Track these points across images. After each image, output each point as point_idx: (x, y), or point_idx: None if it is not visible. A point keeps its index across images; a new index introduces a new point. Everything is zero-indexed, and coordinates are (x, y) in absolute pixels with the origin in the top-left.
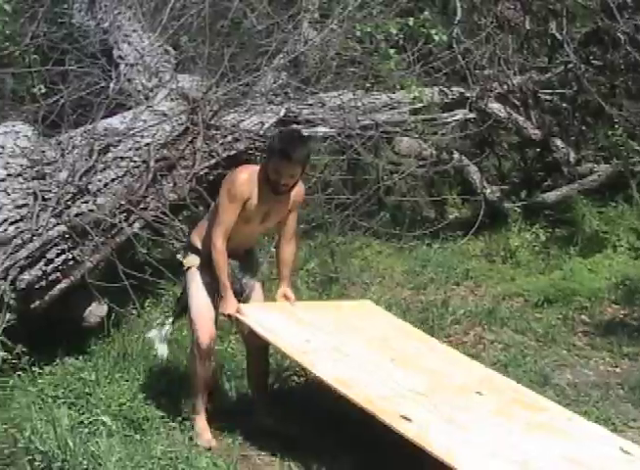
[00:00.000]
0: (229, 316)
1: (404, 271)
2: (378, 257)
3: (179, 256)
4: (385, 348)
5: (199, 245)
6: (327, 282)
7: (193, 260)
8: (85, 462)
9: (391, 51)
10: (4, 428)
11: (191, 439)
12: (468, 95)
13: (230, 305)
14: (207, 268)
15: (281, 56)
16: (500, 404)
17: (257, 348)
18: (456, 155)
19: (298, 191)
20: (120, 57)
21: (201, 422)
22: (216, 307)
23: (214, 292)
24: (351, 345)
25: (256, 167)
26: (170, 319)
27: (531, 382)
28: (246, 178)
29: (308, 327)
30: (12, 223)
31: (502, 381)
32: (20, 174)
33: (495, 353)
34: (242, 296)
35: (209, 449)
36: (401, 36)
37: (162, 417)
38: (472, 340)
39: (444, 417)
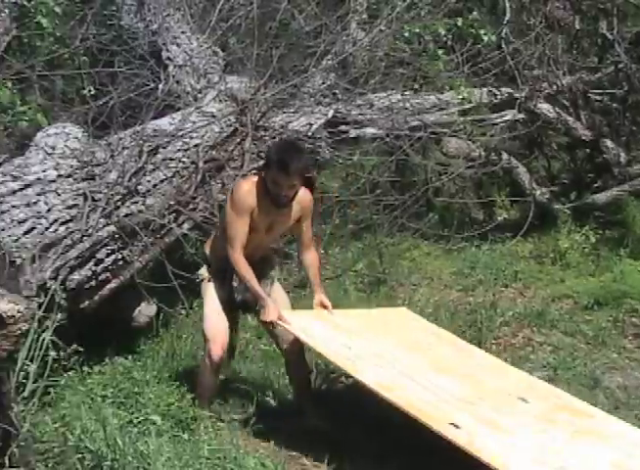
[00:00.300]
0: (271, 324)
1: (452, 273)
2: (426, 258)
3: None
4: (424, 354)
5: (208, 255)
6: (375, 283)
7: (204, 272)
8: (134, 461)
9: (440, 51)
10: (54, 427)
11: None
12: (517, 96)
13: (272, 312)
14: (218, 279)
15: (329, 57)
16: (544, 411)
17: (294, 353)
18: (505, 156)
19: (303, 198)
20: (169, 58)
21: None
22: (230, 318)
23: (227, 302)
24: (391, 351)
25: (255, 178)
26: None
27: (581, 385)
28: (247, 189)
29: (347, 333)
30: (62, 224)
31: (544, 387)
32: (70, 175)
33: (544, 356)
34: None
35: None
36: (450, 37)
37: (210, 417)
38: (521, 342)
39: (490, 423)
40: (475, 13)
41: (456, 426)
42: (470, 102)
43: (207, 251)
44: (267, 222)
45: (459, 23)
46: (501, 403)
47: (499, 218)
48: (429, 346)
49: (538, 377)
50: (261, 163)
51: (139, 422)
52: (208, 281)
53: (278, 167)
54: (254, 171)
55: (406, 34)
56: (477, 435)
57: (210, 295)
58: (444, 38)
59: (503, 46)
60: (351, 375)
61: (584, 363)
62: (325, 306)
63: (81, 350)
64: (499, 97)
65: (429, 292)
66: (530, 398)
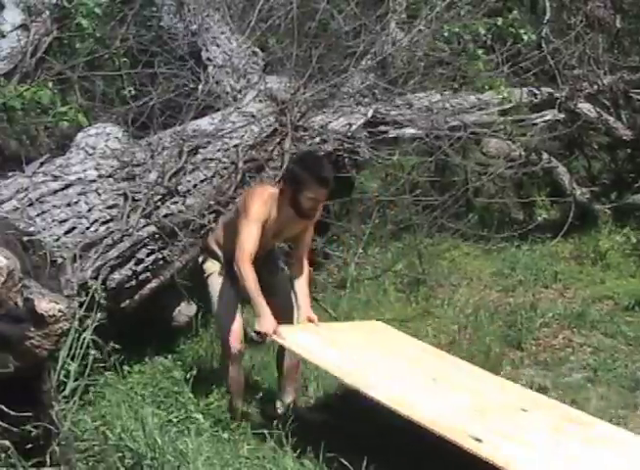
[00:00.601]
0: (265, 335)
1: (492, 273)
2: (466, 258)
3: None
4: (421, 367)
5: (217, 250)
6: (414, 284)
7: (212, 266)
8: (174, 460)
9: (480, 51)
10: (95, 425)
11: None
12: (557, 95)
13: (267, 324)
14: (229, 273)
15: (369, 57)
16: (551, 422)
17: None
18: (545, 156)
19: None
20: (209, 59)
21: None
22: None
23: (238, 296)
24: (390, 365)
25: (273, 190)
26: None
27: (621, 387)
28: (264, 200)
29: (345, 347)
30: (103, 223)
31: (542, 398)
32: (110, 175)
33: (584, 357)
34: None
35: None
36: (489, 36)
37: (250, 416)
38: (560, 343)
39: (505, 435)
40: (515, 12)
41: (478, 439)
42: (510, 102)
43: (214, 246)
44: (278, 229)
45: (499, 23)
46: (508, 415)
47: (539, 219)
48: (419, 358)
49: (579, 378)
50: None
51: (178, 421)
52: (219, 274)
53: (318, 183)
54: (274, 183)
55: (446, 34)
56: (499, 447)
57: (222, 288)
58: (484, 38)
59: (543, 45)
60: (361, 391)
61: (625, 365)
62: (311, 320)
63: (121, 349)
64: (539, 97)
65: (468, 292)
66: (533, 409)
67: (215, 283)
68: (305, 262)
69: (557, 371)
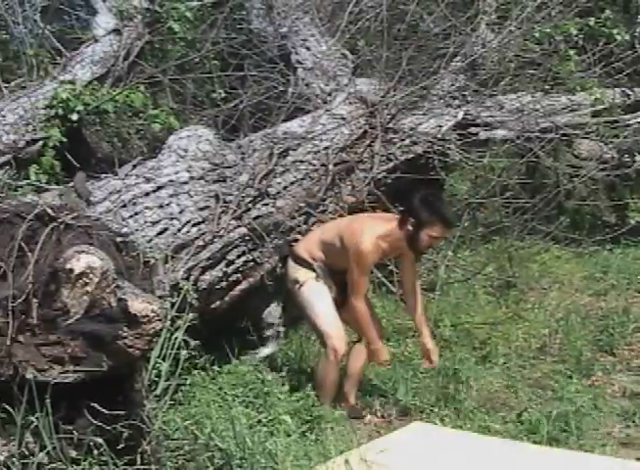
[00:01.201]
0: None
1: (584, 277)
2: (557, 262)
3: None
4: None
5: (309, 259)
6: (504, 287)
7: (305, 275)
8: (263, 461)
9: (571, 52)
10: (185, 425)
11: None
12: None
13: (386, 353)
14: (327, 282)
15: (459, 58)
16: None
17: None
18: (638, 157)
19: None
20: (299, 61)
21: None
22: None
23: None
24: None
25: (380, 227)
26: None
27: None
28: (375, 246)
29: None
30: (194, 225)
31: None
32: (202, 177)
33: None
34: None
35: None
36: (581, 37)
37: (337, 417)
38: None
39: None
40: (607, 11)
41: None
42: (602, 103)
43: (306, 255)
44: (382, 259)
45: (591, 23)
46: None
47: (632, 222)
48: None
49: None
50: (391, 165)
51: (268, 422)
52: (314, 282)
53: (445, 225)
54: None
55: (537, 35)
56: None
57: (320, 295)
58: (576, 38)
59: (636, 45)
60: None
61: None
62: (428, 350)
63: (210, 349)
64: (633, 97)
65: (559, 296)
66: None
67: (313, 291)
68: (418, 290)
69: None
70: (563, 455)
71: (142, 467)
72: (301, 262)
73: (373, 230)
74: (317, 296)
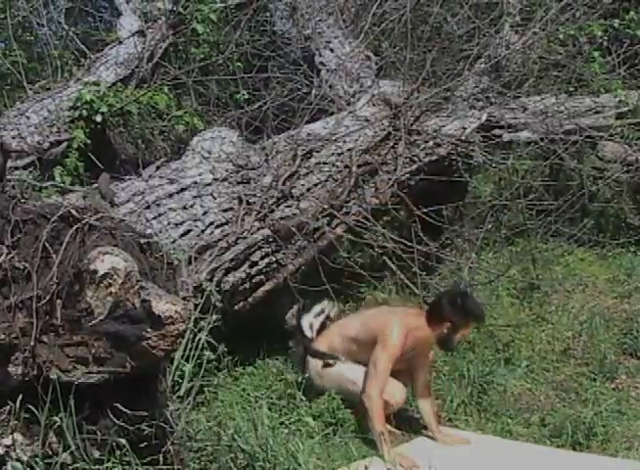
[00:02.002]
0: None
1: (608, 279)
2: (580, 264)
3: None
4: None
5: (329, 351)
6: (528, 289)
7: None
8: (286, 462)
9: (596, 53)
10: (208, 426)
11: None
12: None
13: (407, 460)
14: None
15: (482, 60)
16: None
17: None
18: None
19: None
20: (322, 63)
21: None
22: None
23: None
24: None
25: (408, 320)
26: None
27: None
28: (403, 338)
29: None
30: (218, 226)
31: None
32: (225, 179)
33: None
34: None
35: None
36: (606, 38)
37: (359, 420)
38: None
39: None
40: (632, 13)
41: None
42: (627, 104)
43: (328, 350)
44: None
45: (615, 24)
46: None
47: None
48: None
49: None
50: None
51: (290, 423)
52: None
53: (477, 320)
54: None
55: (561, 36)
56: None
57: (350, 366)
58: (600, 40)
59: None
60: None
61: None
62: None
63: (234, 350)
64: None
65: (583, 298)
66: None
67: (341, 367)
68: (430, 385)
69: None
70: (586, 459)
71: (165, 467)
72: (322, 356)
73: (403, 322)
74: (346, 367)
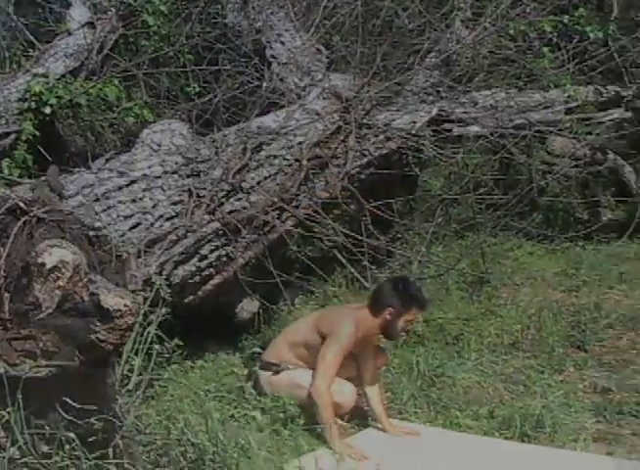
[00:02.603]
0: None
1: (556, 273)
2: (529, 258)
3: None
4: None
5: (277, 361)
6: (477, 283)
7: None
8: (235, 456)
9: (545, 49)
10: (158, 419)
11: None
12: (624, 94)
13: (356, 452)
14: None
15: (433, 55)
16: None
17: None
18: (611, 155)
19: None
20: (273, 56)
21: None
22: None
23: None
24: None
25: (356, 315)
26: None
27: None
28: (354, 331)
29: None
30: (167, 219)
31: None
32: (175, 172)
33: None
34: None
35: None
36: (555, 34)
37: (309, 414)
38: (625, 345)
39: None
40: (581, 9)
41: None
42: (576, 100)
43: (276, 360)
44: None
45: (565, 20)
46: None
47: (604, 218)
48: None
49: None
50: (365, 160)
51: (240, 417)
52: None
53: (420, 306)
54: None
55: (511, 32)
56: None
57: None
58: (550, 35)
59: (610, 43)
60: None
61: None
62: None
63: (184, 344)
64: (606, 95)
65: (532, 292)
66: None
67: (291, 373)
68: (380, 378)
69: (621, 373)
70: (535, 451)
71: (114, 461)
72: (271, 367)
73: (352, 317)
74: (297, 374)
